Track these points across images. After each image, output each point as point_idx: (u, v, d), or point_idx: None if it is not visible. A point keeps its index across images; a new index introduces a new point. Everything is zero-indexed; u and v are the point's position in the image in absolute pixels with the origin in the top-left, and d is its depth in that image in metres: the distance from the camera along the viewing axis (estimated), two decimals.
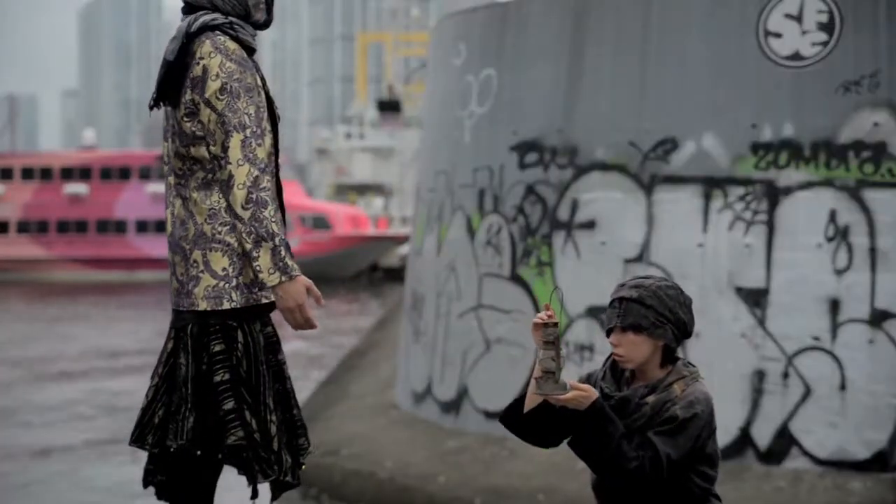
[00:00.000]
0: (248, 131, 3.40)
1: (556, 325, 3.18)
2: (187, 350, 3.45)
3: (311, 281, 3.41)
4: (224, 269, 3.45)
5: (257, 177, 3.37)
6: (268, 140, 3.47)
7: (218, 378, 3.41)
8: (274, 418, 3.44)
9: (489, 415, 9.88)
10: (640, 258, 8.91)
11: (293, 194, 57.18)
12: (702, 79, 8.83)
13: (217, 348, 3.42)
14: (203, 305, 3.44)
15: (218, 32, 3.46)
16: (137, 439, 3.50)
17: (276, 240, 3.34)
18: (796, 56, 8.45)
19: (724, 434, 8.04)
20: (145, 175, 57.76)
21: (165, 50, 3.50)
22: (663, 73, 9.00)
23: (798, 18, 8.46)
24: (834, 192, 8.31)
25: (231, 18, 3.51)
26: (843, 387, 8.20)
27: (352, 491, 9.70)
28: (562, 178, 9.43)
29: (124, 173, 57.80)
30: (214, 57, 3.42)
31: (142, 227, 56.71)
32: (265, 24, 3.64)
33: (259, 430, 3.40)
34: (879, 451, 8.11)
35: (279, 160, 3.63)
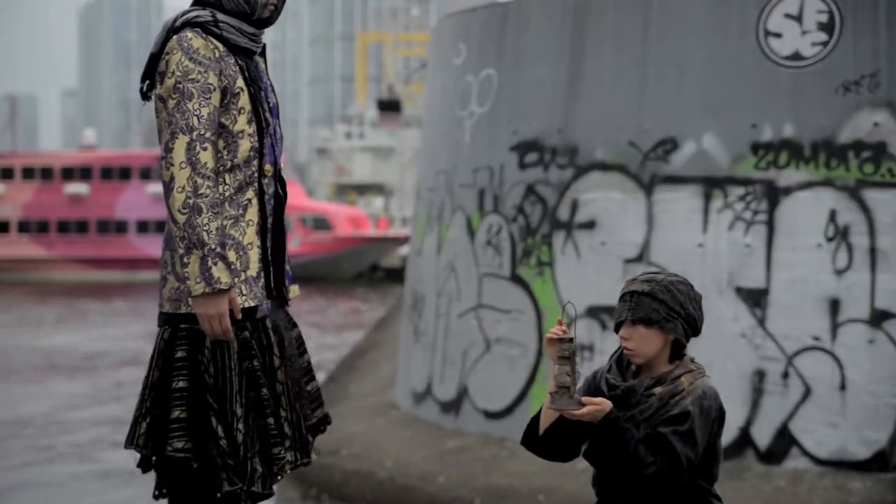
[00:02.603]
0: (194, 134, 3.35)
1: (571, 340, 3.19)
2: (156, 353, 3.45)
3: (235, 296, 3.35)
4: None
5: (198, 182, 3.32)
6: (245, 143, 3.43)
7: (174, 385, 3.38)
8: (241, 426, 3.38)
9: (489, 415, 9.88)
10: (640, 258, 8.91)
11: (294, 195, 57.14)
12: (702, 79, 8.83)
13: (179, 354, 3.39)
14: (167, 307, 3.44)
15: (197, 29, 3.42)
16: (129, 442, 3.50)
17: (206, 249, 3.29)
18: (796, 56, 8.45)
19: (725, 434, 8.03)
20: (146, 175, 57.77)
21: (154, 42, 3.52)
22: (663, 73, 9.00)
23: (798, 18, 8.46)
24: (834, 192, 8.31)
25: (219, 16, 3.46)
26: (843, 387, 8.20)
27: (352, 491, 9.70)
28: (562, 178, 9.43)
29: (125, 173, 57.83)
30: (175, 54, 3.39)
31: (142, 227, 56.73)
32: (267, 22, 3.58)
33: (225, 437, 3.35)
34: (879, 451, 8.11)
35: (274, 165, 3.56)
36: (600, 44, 9.38)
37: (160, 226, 56.13)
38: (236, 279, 3.41)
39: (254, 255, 3.47)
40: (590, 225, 9.24)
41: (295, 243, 55.15)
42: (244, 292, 3.43)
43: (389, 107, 61.50)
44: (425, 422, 10.58)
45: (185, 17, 3.46)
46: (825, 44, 8.36)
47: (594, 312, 9.03)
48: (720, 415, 3.24)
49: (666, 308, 3.23)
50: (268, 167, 3.53)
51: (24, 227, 57.13)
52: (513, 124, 9.87)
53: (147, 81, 3.52)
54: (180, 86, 3.36)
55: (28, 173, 57.92)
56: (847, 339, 8.21)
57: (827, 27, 8.36)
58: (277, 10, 3.56)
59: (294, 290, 3.66)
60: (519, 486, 8.89)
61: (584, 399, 3.16)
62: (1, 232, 57.02)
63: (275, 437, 3.46)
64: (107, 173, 57.39)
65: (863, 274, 8.19)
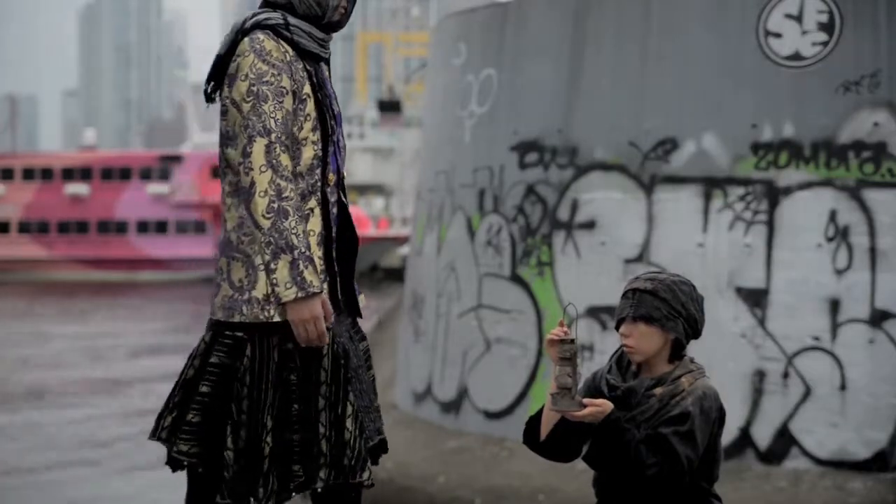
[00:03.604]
0: (272, 136, 3.25)
1: (572, 341, 3.19)
2: (195, 353, 3.38)
3: (327, 298, 3.28)
4: (241, 280, 3.32)
5: (281, 185, 3.23)
6: (309, 151, 3.34)
7: (200, 388, 3.33)
8: (269, 440, 3.30)
9: (489, 415, 9.88)
10: (640, 258, 8.92)
11: None
12: (702, 78, 8.83)
13: (213, 360, 3.32)
14: (218, 315, 3.34)
15: (268, 31, 3.35)
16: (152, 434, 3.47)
17: (296, 252, 3.20)
18: (796, 56, 8.45)
19: (725, 434, 8.02)
20: (146, 175, 57.78)
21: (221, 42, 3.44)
22: (663, 73, 9.00)
23: (798, 18, 8.46)
24: (834, 192, 8.31)
25: (290, 19, 3.38)
26: (843, 387, 8.20)
27: None
28: (562, 178, 9.43)
29: (125, 174, 57.84)
30: (248, 56, 3.30)
31: (142, 227, 56.73)
32: (337, 26, 3.49)
33: (251, 448, 3.28)
34: (879, 451, 8.11)
35: (337, 174, 3.46)
36: (600, 44, 9.39)
37: (160, 226, 56.20)
38: None
39: (316, 265, 3.34)
40: (590, 225, 9.24)
41: None
42: None
43: (389, 107, 61.51)
44: (425, 422, 10.58)
45: (255, 19, 3.39)
46: (825, 44, 8.36)
47: (594, 312, 9.03)
48: (720, 415, 3.24)
49: (668, 307, 3.24)
50: (331, 176, 3.44)
51: (24, 227, 57.16)
52: (513, 124, 9.87)
53: (212, 83, 3.43)
54: (255, 88, 3.27)
55: (28, 174, 57.95)
56: (847, 339, 8.21)
57: (827, 27, 8.36)
58: (347, 13, 3.47)
59: (361, 299, 3.54)
60: (519, 486, 8.89)
61: (586, 400, 3.16)
62: (1, 232, 57.06)
63: (297, 453, 3.34)
64: (107, 173, 57.41)
65: (863, 274, 8.19)
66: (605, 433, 3.15)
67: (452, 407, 10.31)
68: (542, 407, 3.34)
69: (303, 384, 3.35)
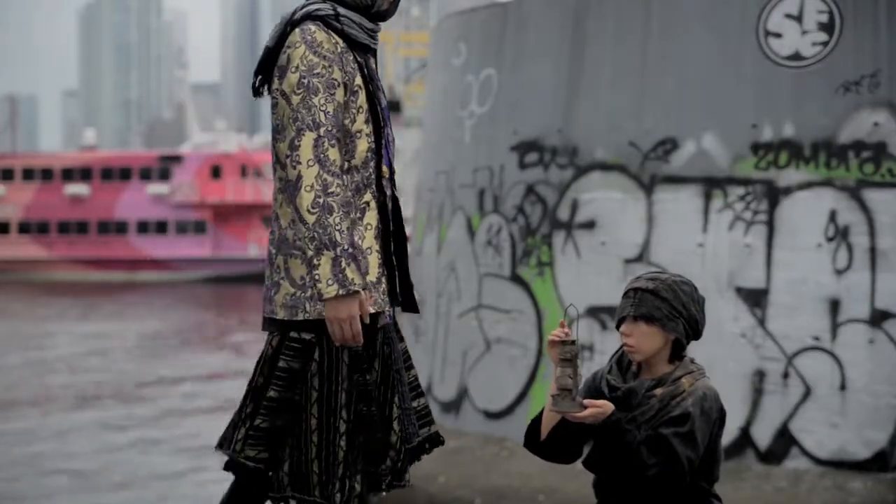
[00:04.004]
0: (322, 130, 3.18)
1: (573, 342, 3.19)
2: (263, 360, 3.30)
3: (365, 299, 3.21)
4: (302, 277, 3.24)
5: (327, 180, 3.16)
6: (363, 144, 3.29)
7: (268, 394, 3.25)
8: (343, 443, 3.21)
9: (489, 415, 9.88)
10: (640, 258, 8.92)
11: None
12: (702, 79, 8.83)
13: (282, 364, 3.24)
14: (281, 314, 3.26)
15: (318, 22, 3.28)
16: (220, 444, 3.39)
17: (338, 250, 3.13)
18: (796, 56, 8.45)
19: (725, 434, 8.02)
20: (146, 176, 57.78)
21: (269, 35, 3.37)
22: (663, 73, 9.01)
23: (798, 18, 8.46)
24: (834, 192, 8.31)
25: (340, 10, 3.31)
26: (843, 387, 8.20)
27: None
28: (562, 178, 9.43)
29: (125, 174, 57.83)
30: (298, 47, 3.23)
31: (143, 227, 56.74)
32: (385, 16, 3.42)
33: (325, 454, 3.20)
34: (879, 451, 8.11)
35: (389, 167, 3.41)
36: (600, 44, 9.39)
37: (160, 226, 56.21)
38: None
39: (373, 259, 3.30)
40: (590, 225, 9.25)
41: None
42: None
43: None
44: None
45: (305, 10, 3.32)
46: (825, 44, 8.36)
47: (594, 312, 9.03)
48: (721, 416, 3.25)
49: (669, 306, 3.24)
50: (385, 169, 3.39)
51: (24, 227, 57.16)
52: (513, 124, 9.87)
53: (260, 76, 3.37)
54: (305, 80, 3.20)
55: (28, 174, 57.97)
56: (847, 339, 8.21)
57: (827, 27, 8.36)
58: (395, 3, 3.40)
59: (416, 296, 3.49)
60: (519, 486, 8.89)
61: (586, 401, 3.16)
62: (1, 233, 57.05)
63: (376, 454, 3.30)
64: (107, 174, 57.42)
65: (863, 274, 8.19)
66: (605, 434, 3.15)
67: (452, 407, 10.31)
68: (543, 409, 3.34)
69: (372, 385, 3.29)
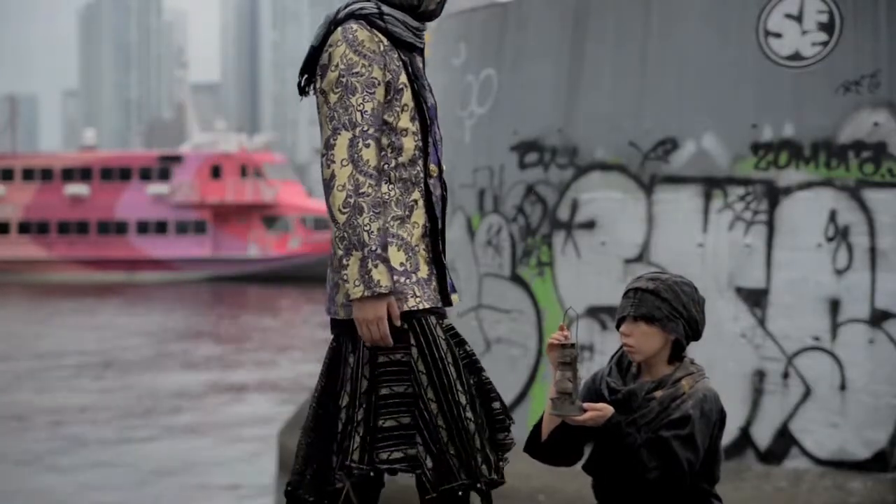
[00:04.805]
0: (357, 130, 3.18)
1: (573, 346, 3.19)
2: (361, 364, 3.24)
3: (394, 301, 3.20)
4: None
5: (359, 181, 3.16)
6: (409, 142, 3.28)
7: (381, 391, 3.21)
8: (469, 415, 3.21)
9: None
10: (640, 258, 8.92)
11: (294, 194, 57.27)
12: (702, 79, 8.83)
13: (382, 360, 3.22)
14: (342, 314, 3.24)
15: (362, 21, 3.27)
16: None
17: (366, 250, 3.13)
18: (796, 56, 8.45)
19: (725, 434, 8.02)
20: (146, 176, 57.80)
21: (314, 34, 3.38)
22: (663, 73, 9.01)
23: (798, 18, 8.46)
24: (834, 192, 8.31)
25: (384, 8, 3.30)
26: (843, 387, 8.20)
27: None
28: (562, 178, 9.43)
29: (125, 174, 57.83)
30: (339, 46, 3.23)
31: (142, 227, 56.74)
32: (432, 15, 3.43)
33: (456, 432, 3.18)
34: (879, 451, 8.11)
35: (438, 166, 3.42)
36: (600, 44, 9.39)
37: (160, 226, 56.22)
38: (407, 280, 3.25)
39: (422, 257, 3.30)
40: (590, 225, 9.25)
41: (295, 243, 55.22)
42: (417, 294, 3.26)
43: None
44: None
45: (348, 9, 3.31)
46: (825, 44, 8.36)
47: (594, 312, 9.03)
48: (721, 417, 3.25)
49: (669, 307, 3.24)
50: (432, 167, 3.41)
51: (24, 227, 57.15)
52: (513, 124, 9.87)
53: (305, 76, 3.37)
54: (343, 79, 3.21)
55: (28, 174, 57.98)
56: (847, 339, 8.21)
57: (827, 27, 8.36)
58: (442, 3, 3.41)
59: (455, 298, 3.48)
60: (519, 486, 8.88)
61: (586, 405, 3.16)
62: (1, 233, 57.04)
63: (500, 421, 3.31)
64: (107, 174, 57.43)
65: (863, 274, 8.19)
66: (605, 437, 3.15)
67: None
68: (543, 415, 3.34)
69: (474, 355, 3.33)
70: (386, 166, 3.28)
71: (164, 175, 56.84)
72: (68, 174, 57.17)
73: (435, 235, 3.39)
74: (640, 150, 8.99)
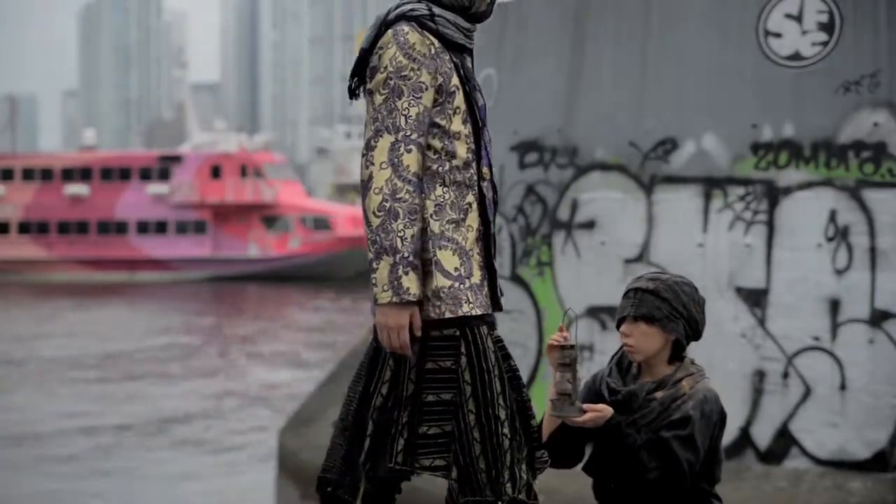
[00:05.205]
0: (400, 134, 3.13)
1: (572, 347, 3.20)
2: (408, 368, 3.19)
3: (417, 312, 3.13)
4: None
5: (397, 185, 3.10)
6: (462, 145, 3.23)
7: (426, 398, 3.17)
8: (506, 431, 3.17)
9: None
10: (640, 258, 8.92)
11: (293, 194, 57.27)
12: (702, 79, 8.83)
13: (430, 366, 3.17)
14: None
15: (413, 23, 3.23)
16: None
17: (397, 256, 3.07)
18: (796, 56, 8.45)
19: (725, 434, 8.02)
20: (146, 176, 57.79)
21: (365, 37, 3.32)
22: (663, 73, 9.00)
23: (798, 18, 8.46)
24: (834, 192, 8.31)
25: (435, 10, 3.26)
26: (843, 387, 8.20)
27: None
28: (562, 178, 9.43)
29: (125, 174, 57.83)
30: (390, 48, 3.19)
31: (142, 227, 56.73)
32: (482, 17, 3.42)
33: (489, 447, 3.14)
34: (879, 451, 8.11)
35: (489, 168, 3.36)
36: (600, 43, 9.39)
37: (160, 226, 56.22)
38: (461, 286, 3.18)
39: (475, 261, 3.24)
40: (590, 225, 9.24)
41: (295, 243, 55.22)
42: (470, 300, 3.19)
43: None
44: None
45: (399, 10, 3.27)
46: (825, 44, 8.36)
47: (594, 312, 9.02)
48: (721, 418, 3.24)
49: (669, 307, 3.24)
50: (485, 170, 3.34)
51: (24, 227, 57.14)
52: (513, 124, 9.87)
53: (356, 78, 3.33)
54: (391, 82, 3.17)
55: (28, 174, 57.98)
56: (847, 339, 8.21)
57: (827, 27, 8.36)
58: (492, 3, 3.39)
59: (502, 303, 3.41)
60: None
61: (586, 406, 3.16)
62: (1, 233, 57.03)
63: (537, 439, 3.27)
64: (107, 174, 57.43)
65: (863, 274, 8.19)
66: (605, 438, 3.15)
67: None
68: (544, 416, 3.34)
69: (518, 371, 3.30)
70: (440, 169, 3.22)
71: (164, 175, 56.84)
72: (68, 174, 57.16)
73: (487, 239, 3.32)
74: (640, 150, 8.99)
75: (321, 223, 54.41)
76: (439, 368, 3.18)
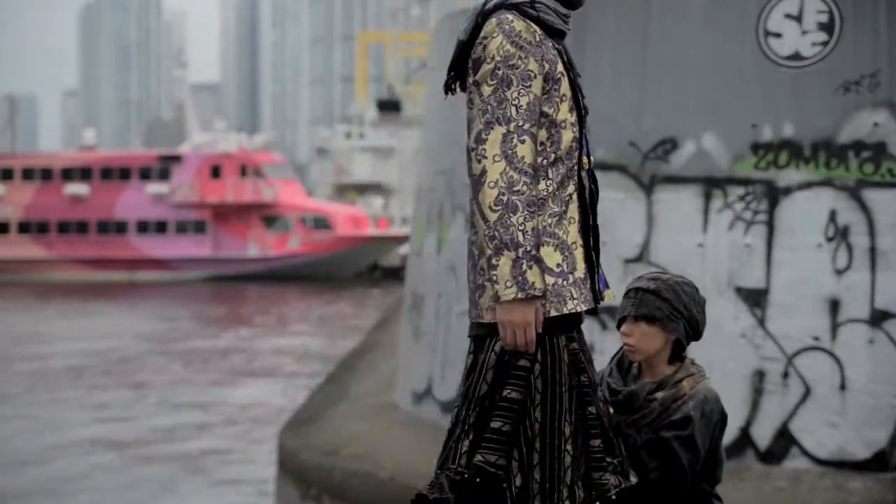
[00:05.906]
0: (512, 125, 3.02)
1: None
2: (484, 365, 3.11)
3: (539, 306, 3.03)
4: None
5: (513, 178, 2.99)
6: (568, 134, 3.14)
7: (505, 394, 3.06)
8: (569, 447, 3.04)
9: None
10: (640, 258, 8.92)
11: (293, 194, 57.30)
12: (702, 79, 8.83)
13: (522, 363, 3.05)
14: (487, 317, 3.07)
15: (514, 11, 3.15)
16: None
17: (521, 251, 2.95)
18: (796, 56, 8.45)
19: (725, 434, 8.02)
20: (146, 175, 57.83)
21: (460, 29, 3.23)
22: (663, 73, 9.00)
23: (798, 18, 8.46)
24: (834, 192, 8.31)
25: None
26: (843, 387, 8.20)
27: (352, 491, 9.69)
28: None
29: (125, 174, 57.86)
30: (496, 37, 3.10)
31: (142, 227, 56.77)
32: (577, 4, 3.35)
33: (549, 460, 3.02)
34: (879, 451, 8.11)
35: (588, 157, 3.26)
36: (600, 43, 9.38)
37: (160, 226, 56.23)
38: (564, 282, 3.09)
39: (579, 254, 3.19)
40: None
41: (294, 243, 55.24)
42: (574, 296, 3.11)
43: (389, 107, 61.47)
44: (426, 422, 10.57)
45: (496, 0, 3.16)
46: (825, 44, 8.36)
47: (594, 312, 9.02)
48: (722, 419, 3.25)
49: (669, 307, 3.24)
50: (585, 160, 3.26)
51: (24, 227, 57.16)
52: None
53: (452, 73, 3.26)
54: (499, 72, 3.07)
55: (28, 174, 58.00)
56: (847, 339, 8.21)
57: (827, 27, 8.36)
58: None
59: (609, 294, 3.32)
60: None
61: None
62: (1, 233, 57.05)
63: (598, 460, 3.11)
64: (107, 174, 57.46)
65: (863, 274, 8.19)
66: None
67: (453, 407, 10.29)
68: None
69: (591, 387, 3.13)
70: (545, 162, 3.12)
71: (164, 175, 56.85)
72: (68, 174, 57.17)
73: (587, 231, 3.26)
74: (640, 150, 8.99)
75: (321, 223, 54.43)
76: (515, 366, 3.07)
